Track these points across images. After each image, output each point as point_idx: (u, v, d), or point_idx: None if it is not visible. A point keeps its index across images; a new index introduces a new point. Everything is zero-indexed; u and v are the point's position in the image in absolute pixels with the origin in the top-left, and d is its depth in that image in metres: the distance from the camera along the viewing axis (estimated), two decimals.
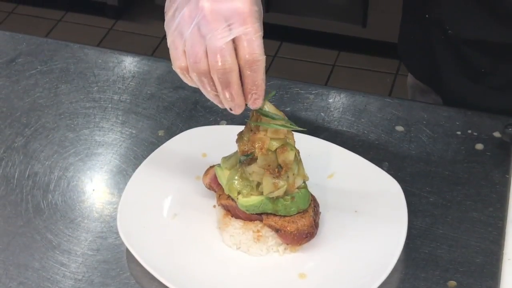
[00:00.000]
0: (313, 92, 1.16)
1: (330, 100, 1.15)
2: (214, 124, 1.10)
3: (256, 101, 0.82)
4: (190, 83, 0.83)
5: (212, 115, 1.12)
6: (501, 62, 1.12)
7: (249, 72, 0.79)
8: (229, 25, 0.77)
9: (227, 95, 0.81)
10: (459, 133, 1.08)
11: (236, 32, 0.77)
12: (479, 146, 1.05)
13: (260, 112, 0.84)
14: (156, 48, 2.86)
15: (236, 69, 0.79)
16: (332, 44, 2.85)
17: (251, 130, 0.86)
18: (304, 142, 0.94)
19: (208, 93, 0.82)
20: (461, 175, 1.01)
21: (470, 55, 1.13)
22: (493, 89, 1.14)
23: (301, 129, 0.86)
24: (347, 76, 2.75)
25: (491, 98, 1.13)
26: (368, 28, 2.75)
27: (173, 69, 0.82)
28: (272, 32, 2.86)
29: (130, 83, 1.19)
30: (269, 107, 0.85)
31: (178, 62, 0.81)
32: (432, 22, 1.15)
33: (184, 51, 0.80)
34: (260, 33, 0.78)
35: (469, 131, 1.08)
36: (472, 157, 1.04)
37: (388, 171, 0.99)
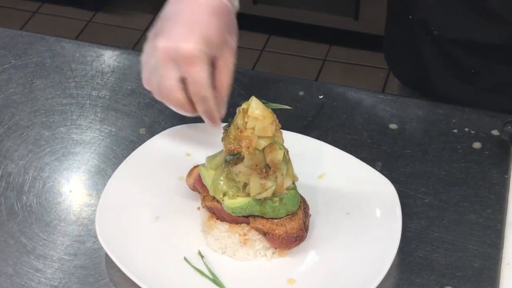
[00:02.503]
0: (302, 88, 1.16)
1: (321, 97, 1.14)
2: (199, 121, 1.05)
3: (213, 124, 0.96)
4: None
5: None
6: (491, 63, 1.13)
7: (197, 104, 0.93)
8: (178, 66, 0.90)
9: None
10: (455, 131, 1.08)
11: (181, 72, 0.90)
12: (477, 145, 1.06)
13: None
14: (138, 41, 2.86)
15: (186, 102, 0.93)
16: (322, 38, 2.85)
17: (238, 128, 0.86)
18: (293, 141, 0.94)
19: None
20: (458, 175, 1.02)
21: (458, 55, 1.14)
22: (485, 90, 1.16)
23: (289, 107, 0.98)
24: (338, 71, 2.76)
25: (484, 100, 1.14)
26: (361, 21, 2.76)
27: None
28: (259, 25, 2.90)
29: (110, 78, 1.19)
30: (255, 104, 0.85)
31: (144, 83, 0.98)
32: (417, 23, 1.16)
33: (149, 75, 0.95)
34: (204, 68, 0.90)
35: (466, 129, 1.08)
36: (470, 157, 1.04)
37: (382, 171, 0.99)
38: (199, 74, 0.89)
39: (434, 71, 1.19)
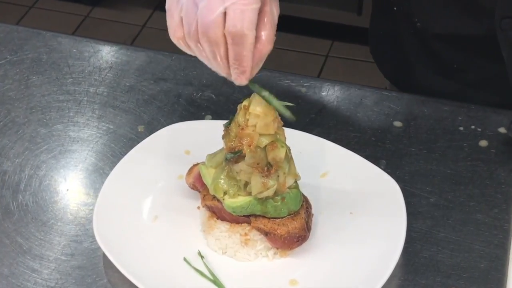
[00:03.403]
0: (305, 84, 1.16)
1: (323, 93, 1.15)
2: (199, 119, 1.10)
3: (239, 77, 0.82)
4: (187, 51, 0.84)
5: (197, 109, 1.12)
6: (473, 57, 1.13)
7: (231, 45, 0.80)
8: None
9: (215, 66, 0.83)
10: (461, 128, 1.08)
11: (227, 3, 0.78)
12: (483, 143, 1.06)
13: (252, 87, 0.85)
14: (136, 37, 2.86)
15: (223, 42, 0.80)
16: (325, 33, 2.85)
17: (239, 125, 0.86)
18: (296, 139, 0.94)
19: (205, 60, 0.84)
20: (464, 174, 1.01)
21: (441, 50, 1.14)
22: (468, 86, 1.16)
23: (291, 104, 0.88)
24: (341, 68, 2.75)
25: (467, 96, 1.14)
26: (364, 16, 2.74)
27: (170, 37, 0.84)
28: None
29: (107, 74, 1.19)
30: (257, 101, 0.85)
31: (173, 31, 0.83)
32: (401, 15, 1.15)
33: (181, 19, 0.82)
34: (252, 6, 0.78)
35: (473, 127, 1.08)
36: (476, 155, 1.04)
37: (386, 169, 0.99)
38: (247, 6, 0.77)
39: (417, 65, 1.18)
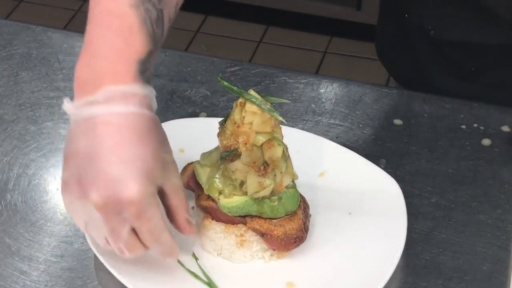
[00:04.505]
0: (302, 81, 1.16)
1: (322, 90, 1.14)
2: (193, 116, 1.09)
3: (170, 258, 0.84)
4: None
5: (191, 106, 1.12)
6: (490, 64, 1.14)
7: (155, 248, 0.81)
8: (123, 217, 0.76)
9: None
10: (464, 127, 1.08)
11: (131, 223, 0.77)
12: (486, 142, 1.06)
13: (244, 97, 0.85)
14: None
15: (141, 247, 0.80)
16: (323, 29, 2.85)
17: (235, 123, 0.85)
18: (293, 137, 0.93)
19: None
20: (466, 173, 1.01)
21: (457, 57, 1.15)
22: (488, 86, 1.16)
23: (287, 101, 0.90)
24: (340, 64, 2.75)
25: (488, 96, 1.13)
26: (363, 11, 2.76)
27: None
28: (257, 15, 2.89)
29: None
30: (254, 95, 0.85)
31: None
32: (412, 23, 1.16)
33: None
34: (156, 221, 0.78)
35: (475, 125, 1.08)
36: (479, 154, 1.04)
37: (386, 169, 0.99)
38: (153, 221, 0.77)
39: (432, 71, 1.19)
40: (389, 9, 1.24)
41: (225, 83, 0.86)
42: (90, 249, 0.89)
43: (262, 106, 0.84)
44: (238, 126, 0.85)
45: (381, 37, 1.30)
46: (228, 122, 0.87)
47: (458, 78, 1.17)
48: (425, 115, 1.09)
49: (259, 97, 0.85)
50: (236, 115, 0.86)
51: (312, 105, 1.12)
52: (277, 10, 2.84)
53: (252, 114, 0.85)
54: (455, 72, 1.17)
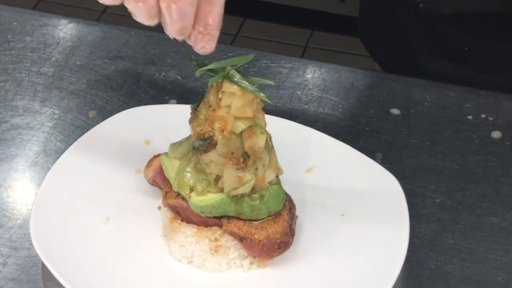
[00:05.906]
0: (286, 65, 1.15)
1: (308, 76, 1.13)
2: (161, 103, 1.08)
3: (208, 44, 0.77)
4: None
5: (159, 92, 1.11)
6: (486, 38, 1.12)
7: (204, 4, 0.75)
8: None
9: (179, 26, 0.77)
10: (470, 117, 1.07)
11: None
12: (496, 134, 1.04)
13: (224, 74, 0.81)
14: (102, 13, 2.85)
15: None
16: (304, 21, 2.88)
17: (210, 106, 0.82)
18: (277, 127, 0.91)
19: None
20: (475, 170, 1.00)
21: (448, 33, 1.13)
22: (482, 70, 1.15)
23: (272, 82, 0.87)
24: (321, 59, 2.76)
25: (481, 81, 1.13)
26: (347, 3, 2.79)
27: None
28: (233, 7, 2.87)
29: (54, 51, 1.17)
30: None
31: None
32: None
33: None
34: None
35: (483, 116, 1.07)
36: (488, 148, 1.03)
37: (383, 164, 0.97)
38: None
39: (421, 52, 1.18)
40: None
41: (197, 62, 0.82)
42: (37, 256, 0.86)
43: (247, 86, 0.80)
44: (214, 110, 0.82)
45: (365, 17, 1.29)
46: (202, 105, 0.84)
47: (449, 61, 1.16)
48: (426, 104, 1.09)
49: (240, 76, 0.82)
50: (211, 96, 0.82)
51: (298, 92, 1.11)
52: (253, 1, 2.90)
53: (230, 95, 0.81)
54: (445, 53, 1.16)
